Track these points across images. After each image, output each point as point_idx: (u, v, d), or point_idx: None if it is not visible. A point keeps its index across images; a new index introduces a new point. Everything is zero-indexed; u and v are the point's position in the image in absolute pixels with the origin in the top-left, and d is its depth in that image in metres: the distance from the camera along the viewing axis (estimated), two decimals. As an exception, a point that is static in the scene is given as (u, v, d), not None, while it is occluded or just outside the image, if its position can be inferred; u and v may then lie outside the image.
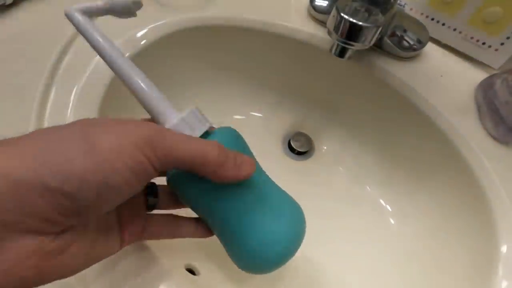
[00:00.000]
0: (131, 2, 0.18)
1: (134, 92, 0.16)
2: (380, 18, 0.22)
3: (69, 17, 0.17)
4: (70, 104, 0.23)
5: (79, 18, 0.17)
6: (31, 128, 0.21)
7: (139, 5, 0.18)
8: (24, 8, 0.27)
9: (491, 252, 0.21)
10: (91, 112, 0.23)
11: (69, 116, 0.22)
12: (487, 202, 0.23)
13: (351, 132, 0.34)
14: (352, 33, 0.21)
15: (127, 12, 0.18)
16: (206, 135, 0.16)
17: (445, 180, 0.27)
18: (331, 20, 0.22)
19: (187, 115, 0.16)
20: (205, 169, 0.14)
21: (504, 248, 0.20)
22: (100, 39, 0.17)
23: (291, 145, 0.35)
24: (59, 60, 0.25)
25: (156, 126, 0.14)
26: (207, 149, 0.14)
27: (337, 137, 0.34)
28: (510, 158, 0.24)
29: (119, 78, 0.17)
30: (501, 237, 0.21)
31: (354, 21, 0.21)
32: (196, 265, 0.24)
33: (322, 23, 0.30)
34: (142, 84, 0.16)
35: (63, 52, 0.25)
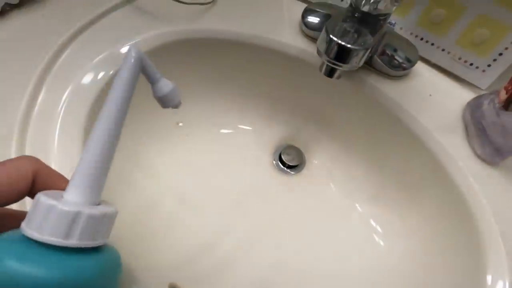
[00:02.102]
0: (176, 103, 0.16)
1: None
2: (369, 39, 0.23)
3: (131, 51, 0.14)
4: (60, 106, 0.23)
5: (134, 66, 0.14)
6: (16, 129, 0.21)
7: (177, 106, 0.17)
8: (12, 17, 0.27)
9: (478, 280, 0.21)
10: (80, 116, 0.22)
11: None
12: (474, 223, 0.23)
13: (342, 148, 0.34)
14: (341, 55, 0.21)
15: (161, 102, 0.16)
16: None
17: (433, 199, 0.27)
18: (320, 40, 0.22)
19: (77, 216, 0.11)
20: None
21: (489, 278, 0.20)
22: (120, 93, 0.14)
23: (281, 158, 0.35)
24: (49, 66, 0.24)
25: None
26: None
27: (328, 152, 0.34)
28: (496, 178, 0.25)
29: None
30: (488, 264, 0.21)
31: (343, 43, 0.21)
32: (180, 284, 0.23)
33: (314, 40, 0.30)
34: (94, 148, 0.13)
35: (52, 62, 0.25)
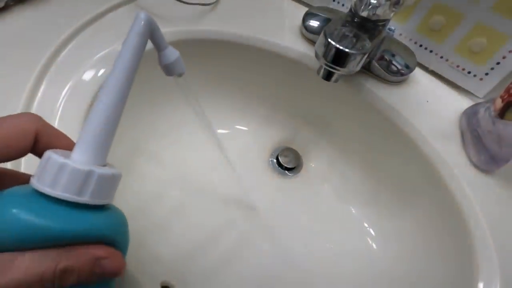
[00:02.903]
0: (180, 71, 0.17)
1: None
2: (368, 44, 0.23)
3: (139, 16, 0.14)
4: (59, 102, 0.23)
5: (142, 32, 0.14)
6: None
7: (181, 75, 0.17)
8: (16, 11, 0.27)
9: (469, 283, 0.21)
10: (79, 111, 0.23)
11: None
12: (467, 230, 0.23)
13: (339, 151, 0.34)
14: (338, 58, 0.21)
15: (166, 70, 0.17)
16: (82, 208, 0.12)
17: (427, 205, 0.27)
18: (318, 44, 0.22)
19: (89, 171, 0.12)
20: None
21: (481, 285, 0.20)
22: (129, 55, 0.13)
23: (279, 160, 0.35)
24: (50, 62, 0.25)
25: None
26: None
27: (325, 155, 0.35)
28: (491, 186, 0.25)
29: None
30: (480, 271, 0.21)
31: (341, 47, 0.21)
32: (172, 282, 0.24)
33: (314, 43, 0.30)
34: (100, 109, 0.13)
35: (54, 56, 0.25)
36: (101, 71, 0.25)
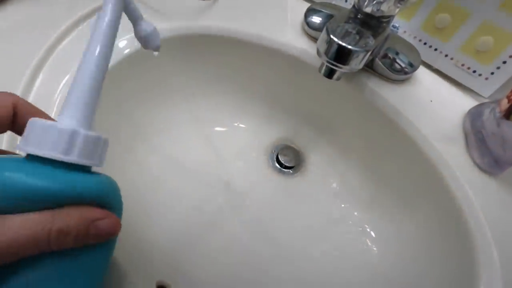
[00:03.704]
0: (157, 44, 0.17)
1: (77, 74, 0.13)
2: (371, 41, 0.22)
3: None
4: (56, 95, 0.23)
5: (115, 4, 0.14)
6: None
7: (158, 49, 0.18)
8: (13, 4, 0.27)
9: (470, 286, 0.21)
10: None
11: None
12: (469, 234, 0.23)
13: (340, 151, 0.33)
14: (341, 56, 0.21)
15: (143, 43, 0.17)
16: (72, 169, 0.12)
17: (428, 207, 0.27)
18: (320, 41, 0.22)
19: (79, 134, 0.12)
20: None
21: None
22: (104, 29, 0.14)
23: (279, 159, 0.34)
24: (47, 54, 0.24)
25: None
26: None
27: (325, 154, 0.34)
28: (494, 189, 0.24)
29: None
30: (481, 275, 0.21)
31: (343, 44, 0.20)
32: (168, 282, 0.23)
33: (316, 40, 0.30)
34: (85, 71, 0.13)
35: (52, 48, 0.25)
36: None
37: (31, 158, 0.12)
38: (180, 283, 0.24)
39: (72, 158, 0.12)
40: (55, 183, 0.11)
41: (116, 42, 0.26)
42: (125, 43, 0.27)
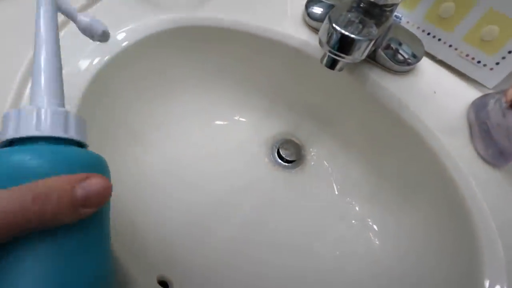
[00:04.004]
0: (100, 32, 0.17)
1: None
2: (374, 30, 0.22)
3: None
4: None
5: (49, 4, 0.15)
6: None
7: (107, 37, 0.18)
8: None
9: (475, 285, 0.20)
10: (73, 100, 0.22)
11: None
12: (473, 226, 0.22)
13: (341, 144, 0.33)
14: (343, 45, 0.20)
15: (93, 35, 0.18)
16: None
17: (431, 200, 0.26)
18: (322, 30, 0.21)
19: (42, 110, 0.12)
20: None
21: (487, 283, 0.20)
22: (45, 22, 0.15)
23: (279, 153, 0.34)
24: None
25: None
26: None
27: (327, 148, 0.34)
28: (499, 182, 0.24)
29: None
30: (486, 269, 0.20)
31: (346, 33, 0.20)
32: (170, 277, 0.23)
33: (317, 31, 0.29)
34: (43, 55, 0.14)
35: None
36: (96, 60, 0.24)
37: (13, 143, 0.12)
38: (181, 278, 0.24)
39: (71, 135, 0.13)
40: (37, 156, 0.11)
41: (114, 35, 0.26)
42: (124, 35, 0.26)
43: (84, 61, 0.24)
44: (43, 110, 0.12)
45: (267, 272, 0.27)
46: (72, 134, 0.13)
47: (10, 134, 0.12)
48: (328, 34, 0.21)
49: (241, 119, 0.35)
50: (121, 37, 0.26)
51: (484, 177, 0.24)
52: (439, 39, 0.28)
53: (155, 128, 0.31)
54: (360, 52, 0.21)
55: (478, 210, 0.22)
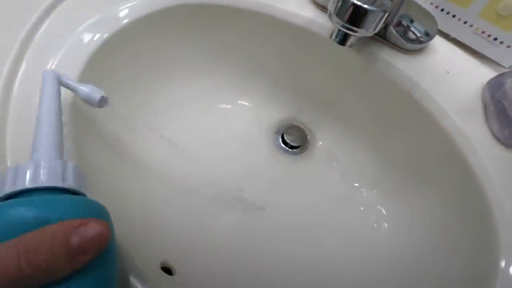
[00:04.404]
0: (96, 101, 0.18)
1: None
2: (387, 2, 0.20)
3: (44, 75, 0.18)
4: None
5: (52, 81, 0.17)
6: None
7: (105, 103, 0.19)
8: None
9: (489, 265, 0.20)
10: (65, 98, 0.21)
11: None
12: (488, 209, 0.21)
13: (348, 128, 0.32)
14: (356, 17, 0.19)
15: (92, 104, 0.19)
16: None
17: (444, 183, 0.25)
18: (332, 2, 0.20)
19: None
20: None
21: (503, 263, 0.19)
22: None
23: (284, 138, 0.33)
24: (35, 28, 0.23)
25: None
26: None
27: (333, 132, 0.33)
28: (515, 163, 0.23)
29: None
30: (501, 249, 0.19)
31: (359, 3, 0.18)
32: (172, 263, 0.22)
33: (323, 8, 0.28)
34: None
35: (39, 23, 0.23)
36: (97, 35, 0.23)
37: (10, 197, 0.12)
38: (184, 264, 0.23)
39: (69, 184, 0.13)
40: (31, 207, 0.11)
41: (115, 11, 0.25)
42: (126, 12, 0.25)
43: (85, 35, 0.23)
44: (41, 163, 0.13)
45: (271, 258, 0.26)
46: (69, 183, 0.13)
47: (7, 189, 0.12)
48: (339, 5, 0.19)
49: (244, 103, 0.33)
50: (123, 13, 0.25)
51: (499, 159, 0.23)
52: (454, 16, 0.27)
53: (156, 111, 0.29)
54: (374, 25, 0.20)
55: (493, 192, 0.22)
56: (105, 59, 0.24)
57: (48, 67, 0.22)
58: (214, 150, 0.31)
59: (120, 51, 0.25)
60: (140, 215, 0.24)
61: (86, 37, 0.23)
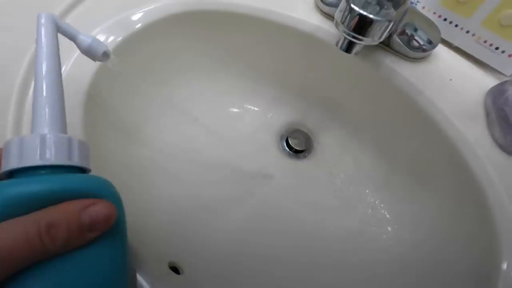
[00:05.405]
0: (101, 53, 0.17)
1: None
2: (392, 12, 0.21)
3: (40, 19, 0.15)
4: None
5: (49, 27, 0.15)
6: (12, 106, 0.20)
7: (107, 58, 0.18)
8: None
9: (491, 268, 0.20)
10: (82, 82, 0.22)
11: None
12: (490, 214, 0.22)
13: (353, 133, 0.32)
14: (361, 26, 0.20)
15: (93, 57, 0.17)
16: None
17: (447, 189, 0.26)
18: (339, 12, 0.21)
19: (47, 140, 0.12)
20: None
21: (504, 265, 0.19)
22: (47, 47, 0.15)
23: (288, 142, 0.33)
24: None
25: None
26: None
27: (337, 137, 0.33)
28: (517, 169, 0.23)
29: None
30: (503, 252, 0.20)
31: (365, 13, 0.19)
32: (180, 262, 0.23)
33: (329, 16, 0.28)
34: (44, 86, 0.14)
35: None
36: (111, 38, 0.24)
37: (15, 174, 0.12)
38: (192, 263, 0.23)
39: (75, 162, 0.13)
40: (38, 185, 0.11)
41: (128, 15, 0.25)
42: (140, 16, 0.26)
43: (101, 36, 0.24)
44: (46, 138, 0.12)
45: (277, 260, 0.27)
46: (75, 160, 0.13)
47: (13, 164, 0.12)
48: (345, 14, 0.20)
49: (249, 107, 0.34)
50: (136, 17, 0.25)
51: (501, 165, 0.23)
52: (456, 25, 0.28)
53: (163, 114, 0.30)
54: (378, 34, 0.20)
55: (496, 198, 0.22)
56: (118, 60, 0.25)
57: (63, 70, 0.23)
58: (219, 154, 0.31)
59: (131, 55, 0.26)
60: (148, 215, 0.25)
61: (101, 39, 0.24)
